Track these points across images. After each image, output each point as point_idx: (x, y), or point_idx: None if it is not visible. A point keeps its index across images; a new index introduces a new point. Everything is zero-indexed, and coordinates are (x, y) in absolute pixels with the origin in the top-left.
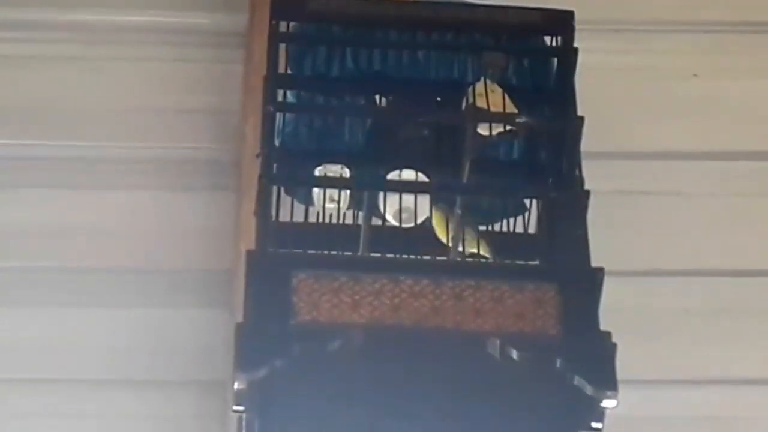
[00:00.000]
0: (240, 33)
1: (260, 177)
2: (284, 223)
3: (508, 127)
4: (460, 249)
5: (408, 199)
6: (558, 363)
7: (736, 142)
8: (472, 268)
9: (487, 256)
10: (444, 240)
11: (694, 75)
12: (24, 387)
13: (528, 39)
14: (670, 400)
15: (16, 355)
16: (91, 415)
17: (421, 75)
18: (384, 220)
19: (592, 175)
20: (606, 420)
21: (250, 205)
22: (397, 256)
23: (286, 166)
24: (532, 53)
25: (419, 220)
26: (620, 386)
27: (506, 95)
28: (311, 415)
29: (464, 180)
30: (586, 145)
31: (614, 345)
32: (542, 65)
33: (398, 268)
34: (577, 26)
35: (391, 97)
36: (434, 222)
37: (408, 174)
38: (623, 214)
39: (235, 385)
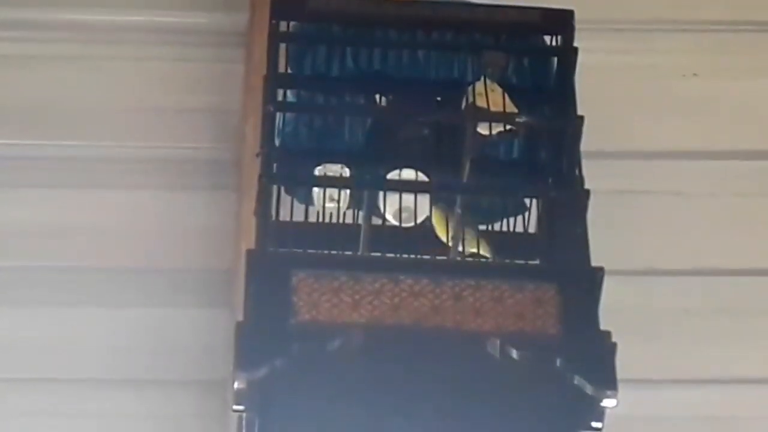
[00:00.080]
0: (240, 32)
1: (260, 176)
2: (284, 223)
3: (508, 127)
4: (460, 249)
5: (408, 198)
6: (558, 362)
7: (737, 142)
8: (472, 268)
9: (487, 255)
10: (443, 239)
11: (695, 74)
12: (24, 387)
13: (528, 38)
14: (670, 399)
15: (16, 355)
16: (91, 414)
17: (421, 74)
18: (384, 219)
19: (592, 175)
20: (606, 419)
21: (250, 204)
22: (397, 255)
23: (286, 166)
24: (532, 53)
25: (419, 220)
26: (620, 386)
27: (506, 95)
28: (311, 415)
29: (464, 179)
30: (586, 144)
31: (614, 344)
32: (542, 65)
33: (398, 267)
34: (577, 25)
35: (391, 97)
36: (434, 221)
37: (408, 173)
38: (623, 214)
39: (235, 385)
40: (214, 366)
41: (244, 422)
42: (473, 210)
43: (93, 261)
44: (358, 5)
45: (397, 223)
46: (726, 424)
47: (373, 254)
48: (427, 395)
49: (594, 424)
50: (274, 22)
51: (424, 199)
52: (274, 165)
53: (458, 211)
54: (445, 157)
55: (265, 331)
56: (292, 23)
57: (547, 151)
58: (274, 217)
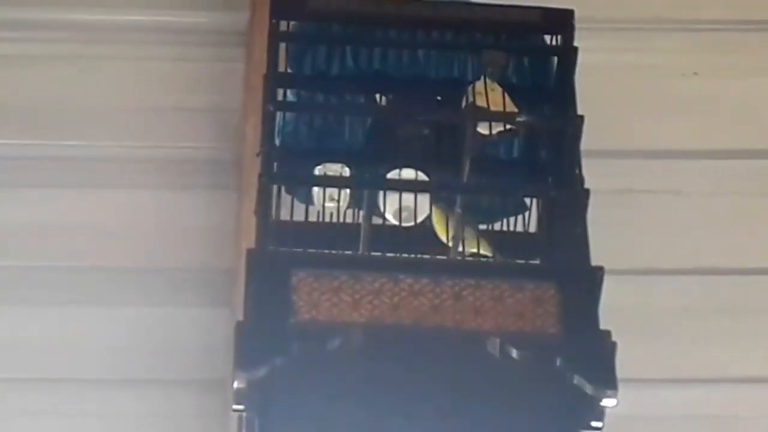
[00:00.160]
0: (240, 32)
1: (260, 176)
2: (284, 222)
3: (508, 126)
4: (460, 248)
5: (408, 198)
6: (558, 362)
7: (737, 141)
8: (471, 267)
9: (488, 254)
10: (443, 238)
11: (695, 73)
12: (24, 386)
13: (528, 38)
14: (670, 398)
15: (16, 355)
16: (91, 414)
17: (420, 74)
18: (384, 219)
19: (592, 174)
20: (606, 419)
21: (250, 204)
22: (397, 255)
23: (287, 165)
24: (532, 52)
25: (419, 219)
26: (620, 385)
27: (506, 94)
28: (311, 414)
29: (464, 179)
30: (586, 143)
31: (614, 344)
32: (542, 64)
33: (398, 267)
34: (577, 25)
35: (390, 96)
36: (434, 220)
37: (408, 173)
38: (623, 213)
39: (235, 384)
40: (214, 365)
41: (243, 422)
42: (473, 209)
43: (93, 261)
44: (358, 5)
45: (397, 223)
46: (726, 424)
47: (373, 254)
48: (427, 395)
49: (594, 424)
50: (274, 21)
51: (424, 199)
52: (275, 164)
53: (458, 210)
54: (445, 156)
55: (265, 331)
56: (292, 23)
57: (547, 151)
58: (274, 217)
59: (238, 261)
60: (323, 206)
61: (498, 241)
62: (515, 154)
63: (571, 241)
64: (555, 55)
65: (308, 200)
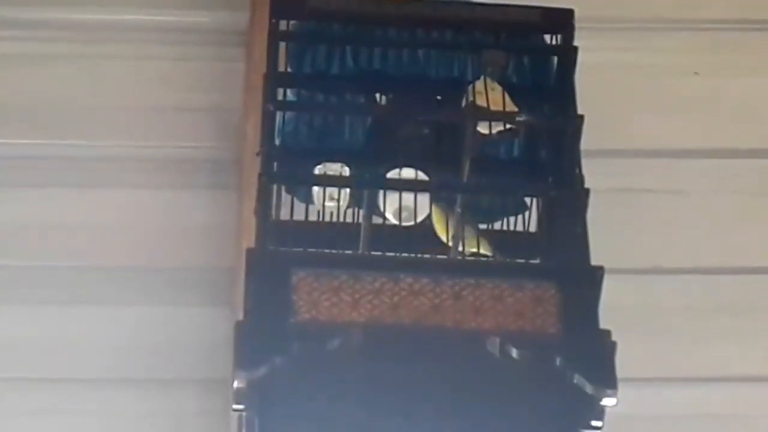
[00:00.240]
0: (241, 31)
1: (260, 175)
2: (284, 222)
3: (508, 126)
4: (461, 248)
5: (408, 197)
6: (558, 361)
7: (737, 140)
8: (471, 267)
9: (488, 254)
10: (443, 238)
11: (695, 73)
12: (24, 386)
13: (528, 37)
14: (671, 398)
15: (16, 354)
16: (92, 413)
17: (420, 73)
18: (384, 218)
19: (592, 174)
20: (606, 418)
21: (251, 203)
22: (397, 254)
23: (287, 165)
24: (532, 51)
25: (419, 219)
26: (621, 384)
27: (506, 93)
28: (311, 414)
29: (464, 179)
30: (586, 143)
31: (614, 343)
32: (542, 63)
33: (398, 266)
34: (577, 24)
35: (391, 96)
36: (434, 219)
37: (408, 172)
38: (623, 213)
39: (235, 384)
40: (215, 365)
41: (243, 421)
42: (473, 209)
43: (94, 260)
44: (358, 4)
45: (397, 222)
46: (727, 423)
47: (373, 253)
48: (427, 394)
49: (594, 423)
50: (274, 20)
51: (424, 198)
52: (275, 164)
53: (458, 210)
54: (445, 156)
55: (265, 330)
56: (292, 22)
57: (547, 150)
58: (274, 216)
59: (239, 260)
60: (323, 206)
61: (498, 240)
62: (515, 153)
63: (571, 240)
64: (555, 54)
65: (308, 200)
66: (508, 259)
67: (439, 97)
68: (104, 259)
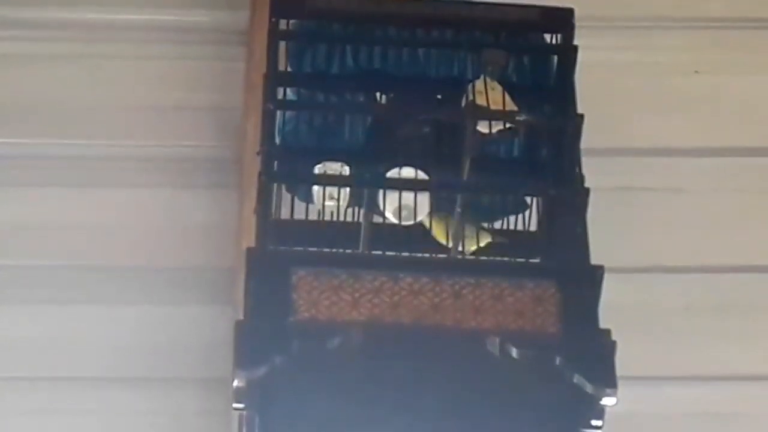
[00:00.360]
0: (241, 31)
1: (260, 175)
2: (284, 221)
3: (508, 125)
4: (460, 248)
5: (408, 196)
6: (557, 361)
7: (738, 139)
8: (471, 266)
9: (503, 240)
10: (444, 243)
11: (695, 71)
12: (24, 386)
13: (528, 36)
14: (671, 397)
15: (16, 354)
16: (92, 413)
17: (420, 72)
18: (384, 217)
19: (592, 172)
20: (607, 417)
21: (251, 202)
22: (397, 253)
23: (287, 164)
24: (532, 51)
25: (419, 218)
26: (621, 383)
27: (506, 93)
28: (311, 413)
29: (464, 178)
30: (586, 142)
31: (614, 343)
32: (542, 63)
33: (398, 265)
34: (576, 23)
35: (391, 95)
36: (434, 231)
37: (408, 172)
38: (624, 211)
39: (235, 383)
40: (216, 364)
41: (244, 420)
42: (473, 208)
43: (94, 260)
44: (358, 3)
45: (396, 222)
46: (728, 421)
47: (372, 252)
48: (427, 393)
49: (594, 423)
50: (274, 20)
51: (423, 198)
52: (275, 163)
53: (458, 209)
54: (445, 155)
55: (265, 330)
56: (292, 21)
57: (548, 149)
58: (274, 216)
59: (239, 260)
60: (323, 205)
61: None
62: (515, 152)
63: (572, 239)
64: (555, 53)
65: (308, 199)
66: (508, 259)
67: (439, 97)
68: (104, 259)
